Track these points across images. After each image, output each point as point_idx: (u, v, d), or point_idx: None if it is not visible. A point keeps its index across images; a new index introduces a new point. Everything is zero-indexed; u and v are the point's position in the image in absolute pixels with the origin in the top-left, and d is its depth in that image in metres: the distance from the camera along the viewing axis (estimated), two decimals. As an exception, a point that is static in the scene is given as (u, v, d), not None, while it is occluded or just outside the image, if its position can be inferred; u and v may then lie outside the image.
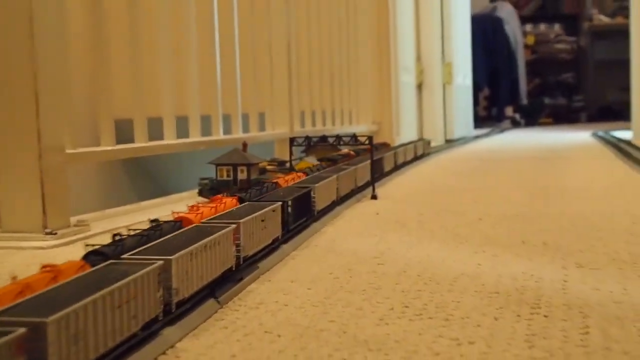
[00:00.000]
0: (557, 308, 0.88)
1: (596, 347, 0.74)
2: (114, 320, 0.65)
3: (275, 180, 1.51)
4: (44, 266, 0.72)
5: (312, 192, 1.45)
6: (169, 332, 0.79)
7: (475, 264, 1.14)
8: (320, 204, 1.52)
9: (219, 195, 1.28)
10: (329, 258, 1.22)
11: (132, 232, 0.90)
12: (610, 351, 0.73)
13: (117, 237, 0.87)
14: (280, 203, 1.21)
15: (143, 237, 0.89)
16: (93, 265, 0.76)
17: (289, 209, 1.27)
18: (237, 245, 0.99)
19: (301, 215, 1.37)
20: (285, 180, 1.54)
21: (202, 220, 1.05)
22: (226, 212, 1.09)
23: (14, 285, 0.67)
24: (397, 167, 2.66)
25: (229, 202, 1.22)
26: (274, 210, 1.17)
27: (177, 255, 0.79)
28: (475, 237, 1.38)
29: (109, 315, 0.64)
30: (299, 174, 1.63)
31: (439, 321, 0.84)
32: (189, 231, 0.95)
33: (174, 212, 1.10)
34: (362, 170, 2.01)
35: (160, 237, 0.90)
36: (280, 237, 1.22)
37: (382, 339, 0.78)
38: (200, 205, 1.17)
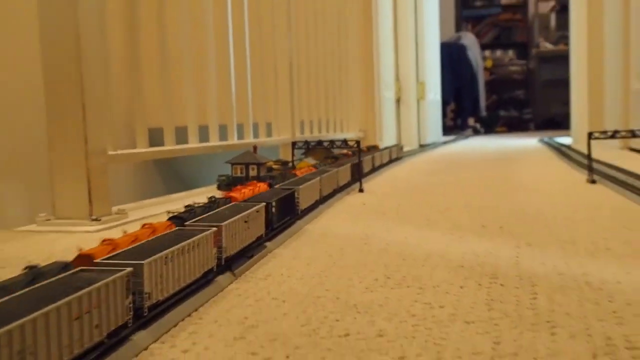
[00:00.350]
0: (511, 279, 0.88)
1: (543, 310, 0.74)
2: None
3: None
4: (104, 240, 0.77)
5: (295, 193, 1.33)
6: (192, 300, 0.79)
7: (444, 244, 1.14)
8: (303, 203, 1.40)
9: (254, 181, 1.38)
10: (324, 240, 1.22)
11: (197, 205, 1.04)
12: (554, 312, 0.73)
13: (189, 207, 1.01)
14: (264, 204, 1.09)
15: (206, 207, 1.03)
16: (176, 226, 0.90)
17: (273, 209, 1.15)
18: (219, 247, 0.88)
19: (285, 214, 1.25)
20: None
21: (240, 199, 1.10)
22: (213, 213, 0.98)
23: (106, 244, 0.76)
24: (382, 165, 2.81)
25: (262, 186, 1.36)
26: (258, 211, 1.05)
27: (148, 260, 0.67)
28: (444, 222, 1.38)
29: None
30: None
31: (415, 289, 0.84)
32: (169, 235, 0.81)
33: (224, 193, 1.26)
34: (344, 172, 1.92)
35: (217, 208, 1.04)
36: (264, 235, 1.09)
37: (368, 304, 0.78)
38: (241, 187, 1.26)
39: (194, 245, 0.78)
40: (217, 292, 0.85)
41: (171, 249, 0.72)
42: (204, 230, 0.83)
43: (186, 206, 1.03)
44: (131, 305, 0.63)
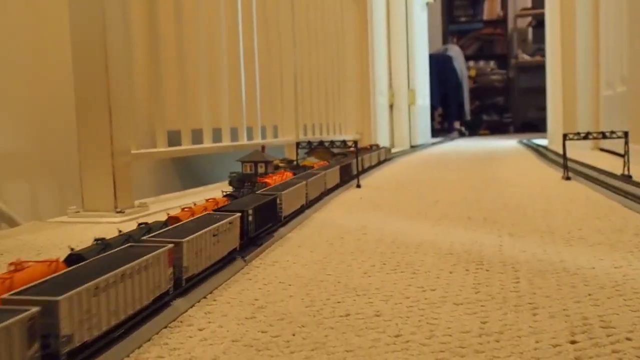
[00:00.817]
0: (495, 265, 0.88)
1: (525, 292, 0.73)
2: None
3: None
4: (184, 208, 0.89)
5: (278, 199, 1.14)
6: (206, 284, 0.78)
7: (434, 233, 1.14)
8: (287, 209, 1.21)
9: (281, 171, 1.43)
10: (325, 230, 1.21)
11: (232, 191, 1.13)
12: (535, 295, 0.72)
13: (226, 193, 1.12)
14: (238, 215, 0.90)
15: (241, 192, 1.14)
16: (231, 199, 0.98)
17: (250, 218, 0.96)
18: (178, 266, 0.69)
19: (265, 222, 1.05)
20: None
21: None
22: (178, 226, 0.79)
23: (186, 211, 0.89)
24: (379, 162, 2.89)
25: (287, 174, 1.45)
26: (231, 223, 0.86)
27: (64, 296, 0.48)
28: (434, 214, 1.37)
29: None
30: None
31: (409, 274, 0.84)
32: (118, 253, 0.64)
33: (259, 178, 1.36)
34: (331, 175, 1.73)
35: (250, 193, 1.11)
36: (238, 248, 0.90)
37: (366, 287, 0.78)
38: (272, 175, 1.40)
39: (138, 269, 0.60)
40: (230, 277, 0.84)
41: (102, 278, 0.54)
42: (156, 248, 0.65)
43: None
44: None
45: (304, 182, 1.39)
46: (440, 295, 0.73)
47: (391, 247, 1.02)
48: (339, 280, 0.81)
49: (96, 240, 0.69)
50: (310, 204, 1.44)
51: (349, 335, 0.61)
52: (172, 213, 0.87)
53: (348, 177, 2.02)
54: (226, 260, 0.86)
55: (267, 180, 1.33)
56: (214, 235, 0.79)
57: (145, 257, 0.61)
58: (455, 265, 0.88)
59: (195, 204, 0.96)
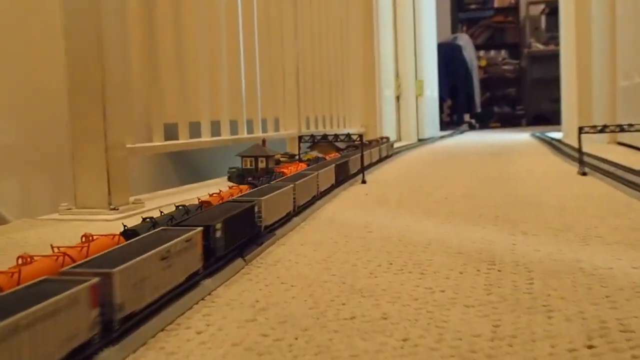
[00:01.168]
0: (508, 265, 0.87)
1: (539, 294, 0.73)
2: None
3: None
4: (212, 194, 1.01)
5: (256, 207, 0.98)
6: (208, 282, 0.78)
7: (443, 231, 1.13)
8: (269, 218, 1.05)
9: (296, 161, 1.51)
10: (329, 228, 1.21)
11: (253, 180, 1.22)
12: (550, 297, 0.72)
13: (250, 180, 1.24)
14: (200, 230, 0.76)
15: (261, 179, 1.22)
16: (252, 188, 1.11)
17: (218, 233, 0.80)
18: (107, 305, 0.55)
19: (239, 236, 0.90)
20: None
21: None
22: (117, 249, 0.66)
23: (215, 196, 1.03)
24: (388, 156, 2.92)
25: (302, 165, 1.56)
26: (188, 241, 0.72)
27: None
28: (443, 211, 1.37)
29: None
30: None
31: (416, 274, 0.83)
32: (28, 288, 0.52)
33: (275, 168, 1.48)
34: (325, 175, 1.57)
35: (269, 182, 1.19)
36: (201, 270, 0.76)
37: (372, 288, 0.77)
38: (287, 165, 1.51)
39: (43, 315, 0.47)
40: (230, 277, 0.84)
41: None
42: (77, 284, 0.52)
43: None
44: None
45: (316, 173, 1.44)
46: (449, 297, 0.73)
47: (398, 246, 1.01)
48: (344, 281, 0.81)
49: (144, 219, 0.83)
50: (321, 195, 1.49)
51: (355, 339, 0.61)
52: (203, 198, 0.99)
53: (357, 171, 2.02)
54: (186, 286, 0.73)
55: (284, 170, 1.42)
56: (162, 259, 0.66)
57: (55, 299, 0.48)
58: (466, 265, 0.88)
59: (220, 191, 1.07)
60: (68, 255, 0.63)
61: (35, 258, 0.60)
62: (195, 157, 2.81)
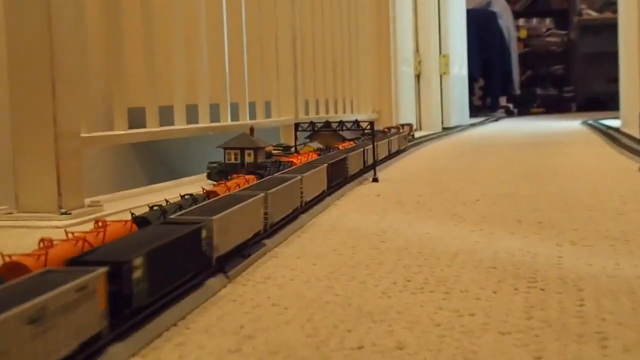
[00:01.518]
0: (552, 282, 0.87)
1: (591, 318, 0.73)
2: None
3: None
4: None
5: (202, 232, 0.82)
6: (178, 307, 0.77)
7: (473, 241, 1.13)
8: (224, 245, 0.88)
9: (305, 150, 1.63)
10: (332, 236, 1.21)
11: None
12: (605, 322, 0.72)
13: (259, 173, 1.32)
14: (102, 270, 0.59)
15: (267, 170, 1.34)
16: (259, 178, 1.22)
17: (139, 273, 0.65)
18: None
19: (180, 271, 0.77)
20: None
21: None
22: None
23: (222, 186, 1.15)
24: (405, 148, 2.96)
25: (312, 154, 1.68)
26: (80, 289, 0.56)
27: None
28: (473, 216, 1.37)
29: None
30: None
31: (440, 294, 0.83)
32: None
33: (284, 157, 1.61)
34: (313, 179, 1.40)
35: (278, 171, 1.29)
36: (105, 332, 0.60)
37: (385, 311, 0.77)
38: (297, 154, 1.66)
39: None
40: (207, 299, 0.84)
41: None
42: None
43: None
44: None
45: (325, 165, 1.50)
46: (481, 322, 0.73)
47: (417, 259, 1.01)
48: (350, 302, 0.81)
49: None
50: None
51: (362, 374, 0.60)
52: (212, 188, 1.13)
53: (364, 167, 2.02)
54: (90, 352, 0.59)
55: (295, 159, 1.54)
56: (30, 323, 0.50)
57: None
58: (501, 282, 0.88)
59: (226, 181, 1.18)
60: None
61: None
62: (167, 149, 2.82)
